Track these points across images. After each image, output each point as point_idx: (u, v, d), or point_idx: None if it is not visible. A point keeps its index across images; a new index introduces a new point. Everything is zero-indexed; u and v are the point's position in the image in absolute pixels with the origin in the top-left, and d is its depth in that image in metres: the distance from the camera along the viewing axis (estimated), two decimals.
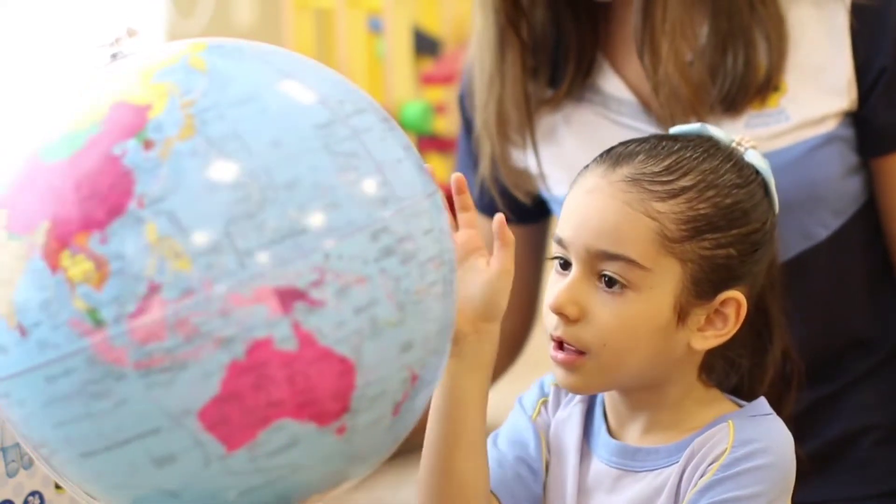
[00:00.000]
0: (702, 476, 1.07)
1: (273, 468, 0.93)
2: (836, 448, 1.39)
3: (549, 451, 1.17)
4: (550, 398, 1.19)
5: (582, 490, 1.14)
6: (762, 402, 1.13)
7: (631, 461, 1.13)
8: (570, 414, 1.18)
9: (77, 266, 0.90)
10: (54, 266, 0.90)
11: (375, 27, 3.70)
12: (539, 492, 1.17)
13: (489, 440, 1.19)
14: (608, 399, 1.16)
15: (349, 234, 0.93)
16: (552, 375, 1.18)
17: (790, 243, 1.34)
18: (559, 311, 1.10)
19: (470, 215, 1.14)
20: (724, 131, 1.15)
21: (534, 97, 1.41)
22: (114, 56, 1.02)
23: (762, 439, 1.07)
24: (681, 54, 1.31)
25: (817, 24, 1.34)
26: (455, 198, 1.14)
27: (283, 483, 0.94)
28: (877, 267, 1.41)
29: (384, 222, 0.94)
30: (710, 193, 1.10)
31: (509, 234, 1.11)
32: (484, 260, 1.12)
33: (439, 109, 3.64)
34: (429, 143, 3.55)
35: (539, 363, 1.15)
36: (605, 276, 1.09)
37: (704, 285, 1.09)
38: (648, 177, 1.09)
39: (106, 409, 0.90)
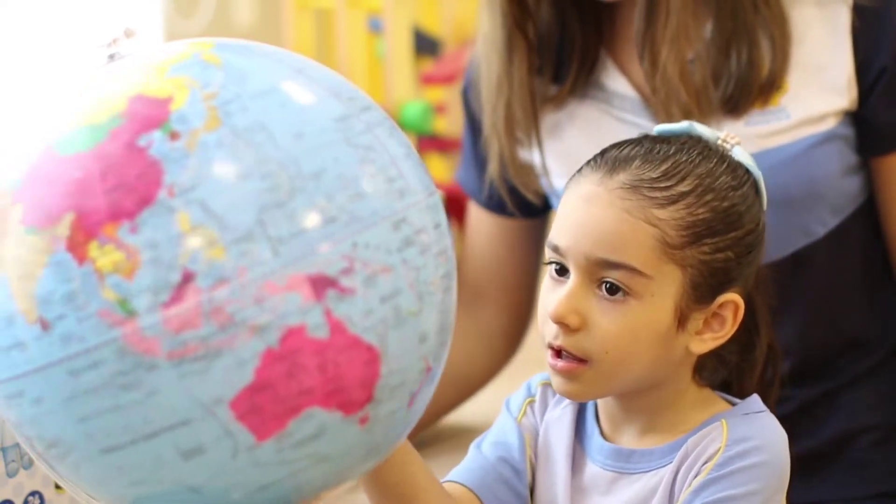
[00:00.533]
0: (696, 476, 1.07)
1: (297, 459, 0.93)
2: (835, 448, 1.40)
3: (534, 452, 1.17)
4: (537, 399, 1.19)
5: (576, 492, 1.14)
6: (755, 400, 1.13)
7: (626, 463, 1.12)
8: (560, 416, 1.17)
9: (106, 256, 0.89)
10: (81, 258, 0.89)
11: (375, 27, 3.67)
12: (525, 492, 1.17)
13: (473, 444, 1.19)
14: (601, 402, 1.16)
15: (374, 223, 0.94)
16: (540, 376, 1.18)
17: (789, 239, 1.36)
18: (560, 321, 1.09)
19: None
20: (710, 129, 1.16)
21: (538, 94, 1.42)
22: (111, 57, 1.02)
23: (755, 437, 1.08)
24: (682, 59, 1.32)
25: (820, 24, 1.36)
26: None
27: (303, 476, 0.94)
28: (875, 267, 1.43)
29: (403, 213, 0.96)
30: (709, 197, 1.10)
31: None
32: None
33: (439, 109, 3.60)
34: (429, 143, 3.50)
35: (538, 362, 1.15)
36: (606, 283, 1.08)
37: (703, 289, 1.09)
38: (647, 183, 1.09)
39: (135, 400, 0.89)
